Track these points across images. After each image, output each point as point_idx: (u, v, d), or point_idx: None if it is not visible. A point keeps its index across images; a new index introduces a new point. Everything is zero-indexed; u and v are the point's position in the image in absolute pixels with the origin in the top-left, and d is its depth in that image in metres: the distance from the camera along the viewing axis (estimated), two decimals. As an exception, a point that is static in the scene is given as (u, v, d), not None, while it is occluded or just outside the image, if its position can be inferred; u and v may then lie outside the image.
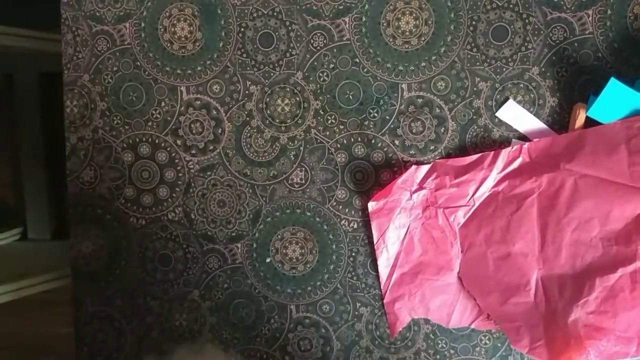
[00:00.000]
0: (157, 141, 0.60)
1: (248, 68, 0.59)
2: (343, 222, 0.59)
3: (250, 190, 0.60)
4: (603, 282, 0.52)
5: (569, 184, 0.54)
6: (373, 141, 0.58)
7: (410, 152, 0.58)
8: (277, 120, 0.59)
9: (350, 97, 0.58)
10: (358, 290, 0.60)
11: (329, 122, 0.59)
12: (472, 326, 0.58)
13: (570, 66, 0.56)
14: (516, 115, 0.57)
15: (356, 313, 0.60)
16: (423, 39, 0.57)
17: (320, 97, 0.59)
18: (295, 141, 0.59)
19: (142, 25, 0.59)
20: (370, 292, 0.59)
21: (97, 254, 0.62)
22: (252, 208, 0.60)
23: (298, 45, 0.58)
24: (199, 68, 0.59)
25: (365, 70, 0.58)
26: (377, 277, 0.59)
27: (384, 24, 0.57)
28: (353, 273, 0.60)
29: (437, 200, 0.57)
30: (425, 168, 0.57)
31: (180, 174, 0.60)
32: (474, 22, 0.57)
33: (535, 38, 0.56)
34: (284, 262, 0.60)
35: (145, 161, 0.61)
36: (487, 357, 0.58)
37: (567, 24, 0.56)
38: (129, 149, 0.61)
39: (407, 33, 0.57)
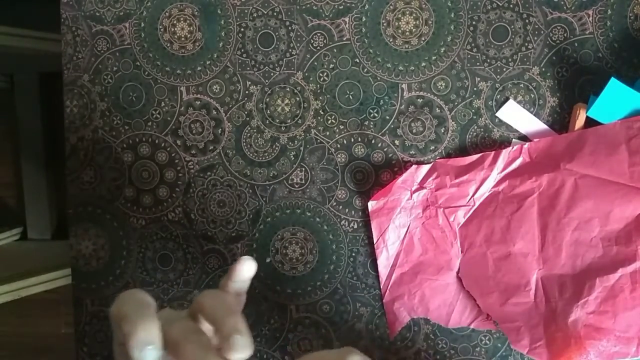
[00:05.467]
0: (157, 141, 0.60)
1: (248, 68, 0.59)
2: (343, 222, 0.59)
3: (250, 191, 0.60)
4: (603, 282, 0.52)
5: (569, 184, 0.54)
6: (373, 141, 0.58)
7: (411, 152, 0.58)
8: (277, 121, 0.59)
9: (350, 97, 0.58)
10: (358, 291, 0.60)
11: (329, 122, 0.59)
12: (472, 326, 0.58)
13: (571, 66, 0.56)
14: (516, 116, 0.57)
15: (356, 313, 0.60)
16: (423, 39, 0.57)
17: (320, 97, 0.59)
18: (295, 141, 0.59)
19: (142, 25, 0.59)
20: (370, 293, 0.59)
21: (97, 254, 0.62)
22: (252, 208, 0.60)
23: (298, 45, 0.58)
24: (199, 68, 0.59)
25: (365, 70, 0.58)
26: (377, 277, 0.59)
27: (384, 24, 0.57)
28: (353, 273, 0.60)
29: (437, 200, 0.57)
30: (425, 168, 0.57)
31: (180, 174, 0.60)
32: (474, 22, 0.57)
33: (535, 38, 0.56)
34: (284, 262, 0.60)
35: (145, 161, 0.61)
36: (487, 357, 0.58)
37: (567, 24, 0.56)
38: (129, 149, 0.61)
39: (407, 33, 0.57)
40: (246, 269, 0.37)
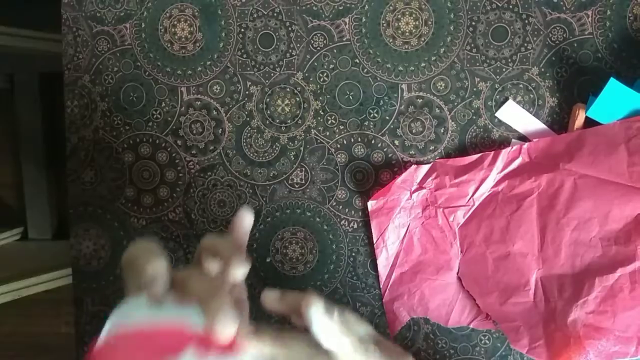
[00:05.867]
0: (157, 141, 0.61)
1: (248, 68, 0.59)
2: (343, 222, 0.59)
3: (251, 191, 0.60)
4: (602, 282, 0.52)
5: (568, 184, 0.54)
6: (373, 141, 0.59)
7: (410, 153, 0.58)
8: (277, 121, 0.59)
9: (350, 97, 0.59)
10: (358, 290, 0.60)
11: (329, 122, 0.59)
12: (472, 326, 0.58)
13: (570, 66, 0.56)
14: (516, 116, 0.57)
15: (356, 313, 0.60)
16: (423, 39, 0.57)
17: (320, 98, 0.59)
18: (295, 141, 0.59)
19: (143, 25, 0.60)
20: (370, 292, 0.60)
21: (98, 253, 0.62)
22: (252, 208, 0.60)
23: (298, 45, 0.59)
24: (199, 68, 0.59)
25: (365, 70, 0.58)
26: (377, 277, 0.59)
27: (384, 25, 0.58)
28: (353, 273, 0.60)
29: (436, 200, 0.57)
30: (425, 168, 0.57)
31: (180, 174, 0.61)
32: (473, 23, 0.57)
33: (534, 38, 0.56)
34: (284, 262, 0.60)
35: (145, 161, 0.61)
36: (487, 357, 0.59)
37: (566, 25, 0.56)
38: (130, 149, 0.61)
39: (407, 34, 0.57)
40: (246, 217, 0.40)
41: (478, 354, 0.59)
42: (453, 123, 0.58)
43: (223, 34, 0.59)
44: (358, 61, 0.58)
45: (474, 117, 0.58)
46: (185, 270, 0.35)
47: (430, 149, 0.58)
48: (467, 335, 0.59)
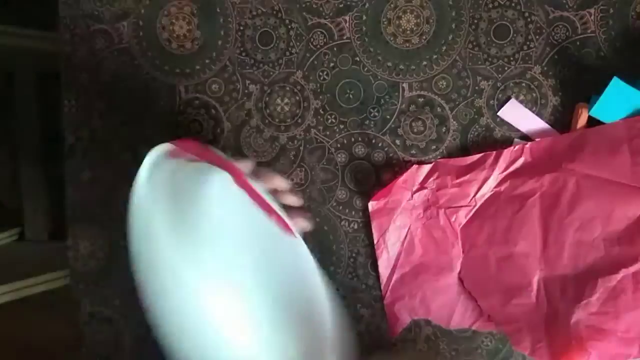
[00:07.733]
0: (155, 141, 0.60)
1: (247, 67, 0.59)
2: (343, 222, 0.59)
3: (250, 190, 0.60)
4: (605, 282, 0.52)
5: (571, 184, 0.53)
6: (374, 141, 0.58)
7: (411, 152, 0.58)
8: (277, 120, 0.59)
9: (351, 96, 0.58)
10: (358, 292, 0.59)
11: (329, 121, 0.58)
12: (473, 327, 0.58)
13: (572, 65, 0.56)
14: (518, 115, 0.56)
15: (357, 314, 0.59)
16: (424, 37, 0.57)
17: (320, 97, 0.58)
18: (295, 141, 0.59)
19: (141, 23, 0.59)
20: (370, 293, 0.59)
21: (96, 254, 0.61)
22: (252, 208, 0.60)
23: (298, 44, 0.58)
24: (198, 67, 0.59)
25: (366, 69, 0.58)
26: (378, 278, 0.59)
27: (385, 23, 0.57)
28: (353, 274, 0.59)
29: (438, 200, 0.56)
30: (426, 168, 0.57)
31: (179, 174, 0.60)
32: (475, 21, 0.56)
33: (537, 37, 0.56)
34: (284, 263, 0.60)
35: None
36: (489, 358, 0.58)
37: (569, 23, 0.56)
38: (128, 148, 0.60)
39: (408, 31, 0.57)
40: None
41: (480, 356, 0.58)
42: (455, 122, 0.57)
43: (222, 32, 0.59)
44: (358, 59, 0.58)
45: (476, 117, 0.57)
46: None
47: (432, 148, 0.58)
48: (469, 337, 0.58)
